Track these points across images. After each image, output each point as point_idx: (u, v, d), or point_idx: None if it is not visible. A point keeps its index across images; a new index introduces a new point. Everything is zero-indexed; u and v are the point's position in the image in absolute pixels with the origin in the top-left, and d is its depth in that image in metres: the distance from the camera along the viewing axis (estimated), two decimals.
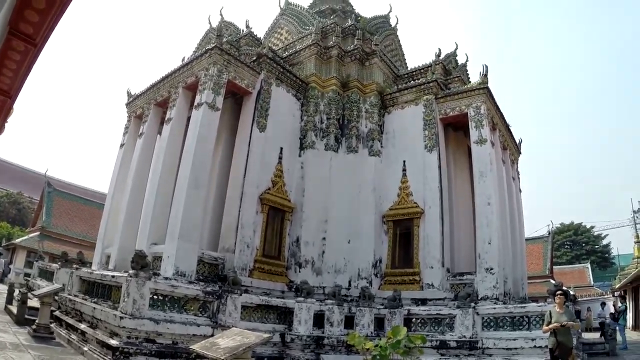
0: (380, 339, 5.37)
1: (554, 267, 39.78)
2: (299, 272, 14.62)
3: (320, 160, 16.03)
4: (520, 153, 21.82)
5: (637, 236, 34.92)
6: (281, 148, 15.44)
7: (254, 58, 15.58)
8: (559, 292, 8.46)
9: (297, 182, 15.68)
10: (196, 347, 5.79)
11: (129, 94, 18.67)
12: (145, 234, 13.82)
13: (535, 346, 10.35)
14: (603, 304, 23.04)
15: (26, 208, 48.50)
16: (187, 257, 12.17)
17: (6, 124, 5.71)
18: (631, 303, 27.12)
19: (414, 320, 12.22)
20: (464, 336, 11.05)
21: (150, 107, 16.79)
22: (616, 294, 35.85)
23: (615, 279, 40.21)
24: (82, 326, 10.16)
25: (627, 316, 24.62)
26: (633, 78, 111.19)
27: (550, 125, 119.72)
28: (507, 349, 10.69)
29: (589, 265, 48.30)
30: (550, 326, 7.83)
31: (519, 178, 21.35)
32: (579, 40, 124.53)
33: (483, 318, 11.42)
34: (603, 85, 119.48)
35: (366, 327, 11.76)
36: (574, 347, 8.52)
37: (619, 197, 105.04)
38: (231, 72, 14.26)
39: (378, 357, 4.81)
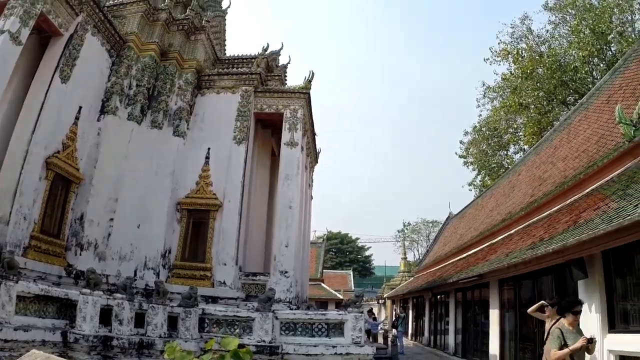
0: (173, 341, 4.67)
1: None
2: (80, 255, 12.35)
3: (121, 130, 13.96)
4: (317, 162, 23.02)
5: (404, 253, 40.74)
6: (80, 107, 12.90)
7: None
8: (579, 305, 6.37)
9: (90, 150, 13.25)
10: None
11: None
12: None
13: (336, 353, 10.64)
14: (372, 316, 22.78)
15: None
16: None
17: None
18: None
19: (207, 320, 11.41)
20: (264, 340, 10.67)
21: None
22: (380, 301, 40.65)
23: (380, 287, 45.79)
24: None
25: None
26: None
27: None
28: (308, 354, 10.72)
29: (351, 272, 54.59)
30: (578, 344, 5.82)
31: (312, 185, 22.48)
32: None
33: (282, 322, 11.27)
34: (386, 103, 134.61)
35: (159, 327, 10.41)
36: None
37: (389, 215, 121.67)
38: (47, 3, 11.28)
39: None
